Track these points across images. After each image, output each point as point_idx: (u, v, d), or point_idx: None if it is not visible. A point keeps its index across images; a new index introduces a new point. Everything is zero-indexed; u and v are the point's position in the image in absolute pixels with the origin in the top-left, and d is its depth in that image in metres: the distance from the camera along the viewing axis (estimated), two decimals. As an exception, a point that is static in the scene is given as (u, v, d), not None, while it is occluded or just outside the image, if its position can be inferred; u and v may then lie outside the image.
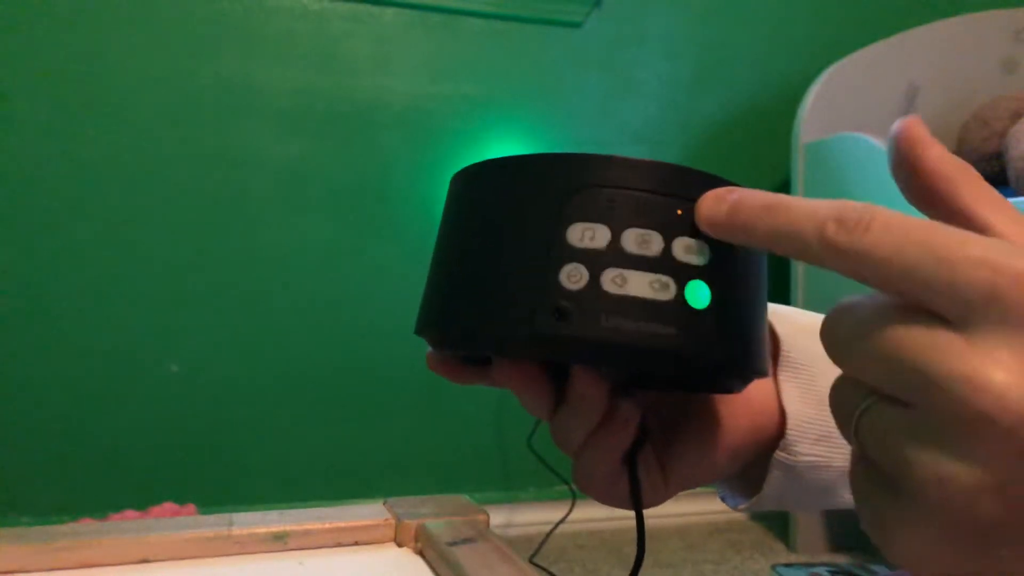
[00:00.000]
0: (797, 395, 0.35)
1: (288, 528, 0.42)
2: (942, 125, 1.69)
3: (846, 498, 0.36)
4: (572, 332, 0.25)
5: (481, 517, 0.45)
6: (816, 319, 0.38)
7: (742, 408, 0.34)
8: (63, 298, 1.36)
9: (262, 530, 0.41)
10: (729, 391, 0.31)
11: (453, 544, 0.39)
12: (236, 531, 0.41)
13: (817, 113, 1.59)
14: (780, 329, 0.36)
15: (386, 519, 0.43)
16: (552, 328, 0.25)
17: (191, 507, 1.12)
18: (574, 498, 1.53)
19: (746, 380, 0.29)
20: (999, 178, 1.52)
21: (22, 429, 1.35)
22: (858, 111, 1.62)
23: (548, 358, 0.28)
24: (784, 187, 1.70)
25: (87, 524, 0.42)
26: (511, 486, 1.58)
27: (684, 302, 0.25)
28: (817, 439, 0.35)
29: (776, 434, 0.35)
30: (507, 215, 0.27)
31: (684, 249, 0.25)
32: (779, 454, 0.35)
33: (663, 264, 0.25)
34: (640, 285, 0.25)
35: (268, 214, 1.46)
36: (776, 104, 1.73)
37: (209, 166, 1.42)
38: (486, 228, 0.28)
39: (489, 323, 0.26)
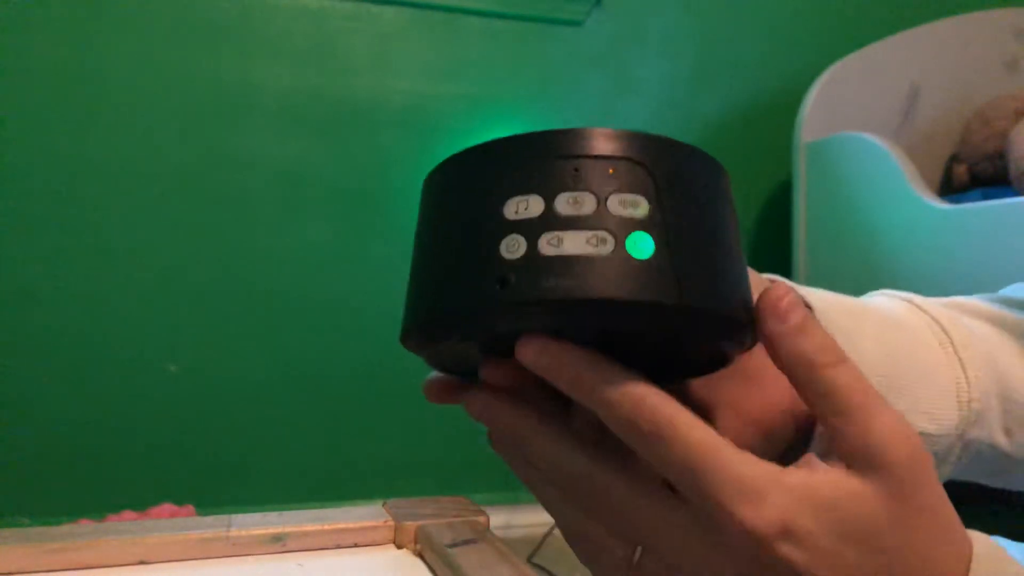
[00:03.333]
0: None
1: (287, 529, 0.41)
2: (944, 125, 1.69)
3: None
4: (513, 297, 0.25)
5: (481, 518, 0.45)
6: (847, 299, 0.39)
7: (774, 388, 0.34)
8: (61, 298, 1.36)
9: (261, 531, 0.41)
10: (726, 357, 0.30)
11: (453, 546, 0.39)
12: (235, 532, 0.41)
13: (818, 112, 1.58)
14: (816, 304, 0.36)
15: (385, 520, 0.43)
16: (495, 297, 0.25)
17: (190, 508, 1.12)
18: (574, 498, 1.52)
19: (730, 335, 0.28)
20: (1001, 178, 1.52)
21: (20, 430, 1.35)
22: (859, 111, 1.62)
23: (500, 331, 0.27)
24: (785, 187, 1.70)
25: (85, 525, 0.42)
26: (512, 487, 1.57)
27: (626, 254, 0.25)
28: None
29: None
30: (452, 208, 0.28)
31: (620, 204, 0.26)
32: (821, 430, 0.34)
33: (598, 221, 0.25)
34: (576, 243, 0.25)
35: (267, 214, 1.45)
36: (776, 104, 1.73)
37: (208, 166, 1.42)
38: (436, 224, 0.29)
39: (443, 311, 0.27)
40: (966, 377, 0.38)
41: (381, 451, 1.52)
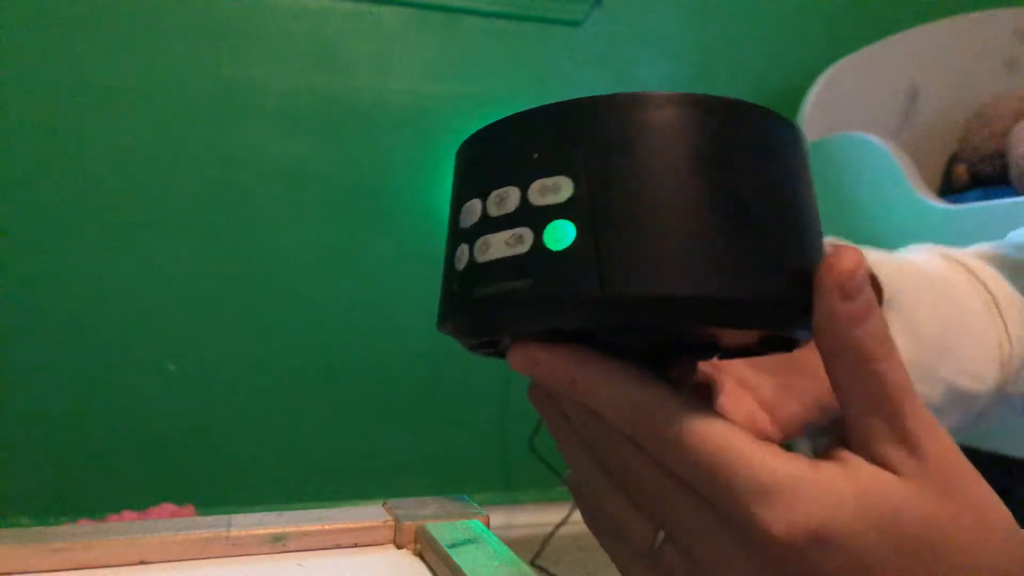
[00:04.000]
0: (902, 341, 0.35)
1: (287, 529, 0.41)
2: (943, 125, 1.69)
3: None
4: (458, 313, 0.24)
5: (481, 519, 0.45)
6: (904, 263, 0.39)
7: None
8: (61, 298, 1.36)
9: (261, 531, 0.41)
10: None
11: (453, 546, 0.39)
12: (234, 532, 0.41)
13: (817, 113, 1.58)
14: (883, 279, 0.36)
15: (385, 520, 0.43)
16: (448, 312, 0.25)
17: (190, 508, 1.12)
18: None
19: (720, 319, 0.23)
20: (1000, 178, 1.52)
21: (20, 429, 1.35)
22: (859, 111, 1.62)
23: (472, 341, 0.26)
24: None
25: (85, 525, 0.42)
26: (512, 487, 1.57)
27: (543, 248, 0.22)
28: (920, 380, 0.36)
29: None
30: (447, 216, 0.28)
31: (539, 192, 0.23)
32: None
33: (520, 216, 0.23)
34: (499, 246, 0.23)
35: (268, 214, 1.45)
36: (776, 104, 1.72)
37: (208, 166, 1.42)
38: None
39: (440, 316, 0.27)
40: (1008, 336, 0.39)
41: (382, 451, 1.52)
